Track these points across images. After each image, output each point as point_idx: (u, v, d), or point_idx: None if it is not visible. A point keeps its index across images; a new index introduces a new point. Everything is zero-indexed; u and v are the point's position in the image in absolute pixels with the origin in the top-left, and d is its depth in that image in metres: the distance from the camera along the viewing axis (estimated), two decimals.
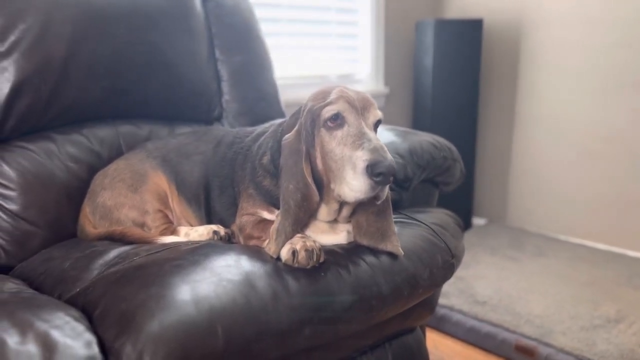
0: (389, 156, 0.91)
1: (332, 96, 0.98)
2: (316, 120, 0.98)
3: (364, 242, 1.05)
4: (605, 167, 2.56)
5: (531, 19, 2.70)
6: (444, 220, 1.30)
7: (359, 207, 1.04)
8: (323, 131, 0.97)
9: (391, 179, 0.91)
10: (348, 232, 1.08)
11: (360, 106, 0.97)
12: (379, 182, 0.90)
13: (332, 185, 0.98)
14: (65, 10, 1.31)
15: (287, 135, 1.02)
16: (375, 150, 0.91)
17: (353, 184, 0.92)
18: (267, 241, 1.04)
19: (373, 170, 0.89)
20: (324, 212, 1.03)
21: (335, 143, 0.95)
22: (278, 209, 1.06)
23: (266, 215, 1.10)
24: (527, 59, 2.75)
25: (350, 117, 0.96)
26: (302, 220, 1.00)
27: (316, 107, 0.98)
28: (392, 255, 1.06)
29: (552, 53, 2.65)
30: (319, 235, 1.06)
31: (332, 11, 2.57)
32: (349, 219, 1.07)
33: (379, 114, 1.00)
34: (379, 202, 0.98)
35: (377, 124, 1.01)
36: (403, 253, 1.06)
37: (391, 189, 1.27)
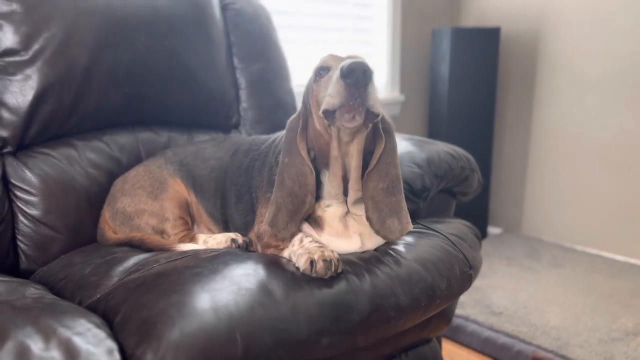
0: (362, 59, 0.89)
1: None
2: (311, 84, 1.03)
3: (374, 217, 1.04)
4: (624, 176, 2.53)
5: (549, 28, 2.69)
6: (462, 230, 1.30)
7: (368, 177, 1.03)
8: (314, 87, 1.01)
9: (368, 78, 0.87)
10: (360, 234, 1.08)
11: (346, 56, 0.99)
12: (353, 83, 0.86)
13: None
14: (88, 18, 1.32)
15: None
16: (349, 58, 0.92)
17: (329, 92, 0.90)
18: (285, 250, 1.04)
19: (343, 71, 0.86)
20: (328, 187, 1.05)
21: (322, 89, 0.98)
22: None
23: None
24: (545, 67, 2.73)
25: (335, 64, 0.98)
26: (297, 194, 1.02)
27: (311, 75, 1.04)
28: (411, 265, 1.06)
29: (571, 61, 2.63)
30: (333, 239, 1.06)
31: (348, 18, 2.58)
32: (360, 198, 1.06)
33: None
34: (370, 125, 0.96)
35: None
36: (413, 227, 1.09)
37: (409, 198, 1.27)
